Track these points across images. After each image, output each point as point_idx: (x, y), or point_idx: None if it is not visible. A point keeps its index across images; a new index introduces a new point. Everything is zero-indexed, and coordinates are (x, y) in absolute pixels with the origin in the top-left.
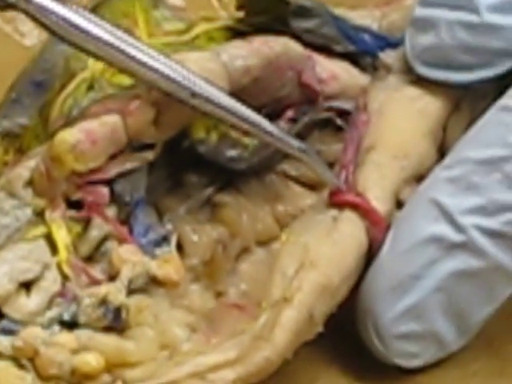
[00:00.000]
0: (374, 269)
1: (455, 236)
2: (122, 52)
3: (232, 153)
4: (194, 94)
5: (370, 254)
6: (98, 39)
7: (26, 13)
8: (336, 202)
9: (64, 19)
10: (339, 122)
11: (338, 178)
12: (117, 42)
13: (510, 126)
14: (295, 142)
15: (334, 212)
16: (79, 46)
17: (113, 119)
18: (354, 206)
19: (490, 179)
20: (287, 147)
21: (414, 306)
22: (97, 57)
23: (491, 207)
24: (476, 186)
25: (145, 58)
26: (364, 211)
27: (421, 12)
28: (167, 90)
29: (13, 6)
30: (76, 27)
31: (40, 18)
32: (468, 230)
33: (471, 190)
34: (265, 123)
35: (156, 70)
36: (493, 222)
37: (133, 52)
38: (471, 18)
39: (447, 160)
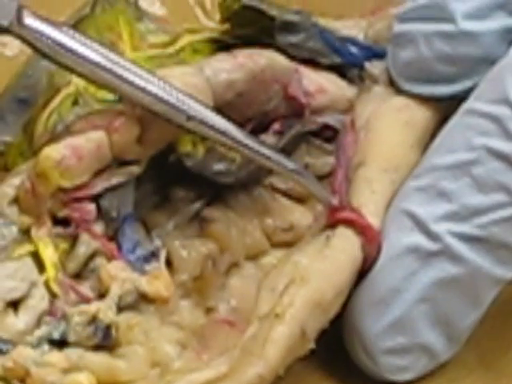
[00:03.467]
0: (359, 285)
1: (431, 245)
2: (118, 76)
3: (219, 166)
4: (189, 117)
5: (364, 270)
6: (93, 63)
7: (20, 37)
8: (333, 221)
9: (58, 43)
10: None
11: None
12: (112, 67)
13: (474, 129)
14: (290, 164)
15: (327, 232)
16: (75, 70)
17: (98, 135)
18: (350, 223)
19: (460, 184)
20: (282, 169)
21: (398, 319)
22: (92, 81)
23: (463, 212)
24: (446, 192)
25: (140, 82)
26: (360, 227)
27: (399, 28)
28: (163, 113)
29: (6, 31)
30: (72, 52)
31: (34, 42)
32: (443, 237)
33: (442, 196)
34: (260, 146)
35: (152, 94)
36: (467, 227)
37: (128, 76)
38: (448, 27)
39: (416, 170)
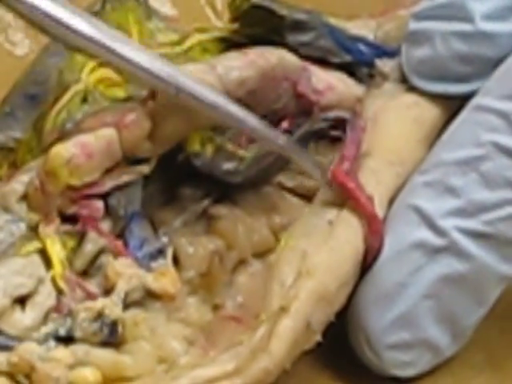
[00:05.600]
0: (363, 279)
1: (437, 240)
2: (107, 48)
3: (228, 166)
4: (179, 90)
5: (366, 262)
6: (80, 34)
7: (8, 6)
8: (344, 187)
9: (46, 13)
10: (334, 132)
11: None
12: (103, 38)
13: (483, 125)
14: (280, 139)
15: (330, 215)
16: (67, 41)
17: (108, 132)
18: (358, 207)
19: (467, 180)
20: (272, 143)
21: (403, 314)
22: (80, 51)
23: (470, 208)
24: (453, 187)
25: (130, 54)
26: (367, 216)
27: (415, 25)
28: (153, 85)
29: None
30: (62, 23)
31: (23, 12)
32: (449, 232)
33: (449, 192)
34: (249, 118)
35: (141, 67)
36: (474, 223)
37: (117, 47)
38: (466, 27)
39: (424, 164)
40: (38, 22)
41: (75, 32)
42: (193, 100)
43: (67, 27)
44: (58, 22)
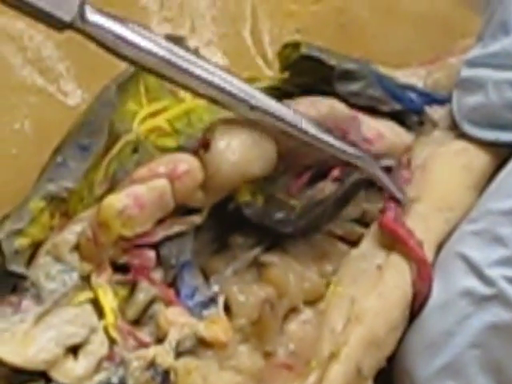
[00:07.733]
0: (411, 326)
1: (485, 289)
2: (182, 69)
3: (279, 215)
4: (252, 107)
5: (413, 307)
6: (154, 56)
7: (83, 33)
8: (391, 233)
9: (121, 37)
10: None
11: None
12: (176, 60)
13: None
14: (354, 151)
15: (378, 259)
16: (137, 62)
17: (161, 184)
18: (409, 253)
19: None
20: (346, 155)
21: (450, 363)
22: (155, 73)
23: None
24: (501, 237)
25: (202, 73)
26: (417, 260)
27: (467, 73)
28: (226, 104)
29: (69, 27)
30: (135, 46)
31: (98, 37)
32: (497, 282)
33: (497, 241)
34: (323, 134)
35: (214, 85)
36: None
37: (190, 67)
38: None
39: (472, 213)
40: (112, 46)
41: (148, 54)
42: (266, 116)
43: (140, 50)
44: (132, 44)
